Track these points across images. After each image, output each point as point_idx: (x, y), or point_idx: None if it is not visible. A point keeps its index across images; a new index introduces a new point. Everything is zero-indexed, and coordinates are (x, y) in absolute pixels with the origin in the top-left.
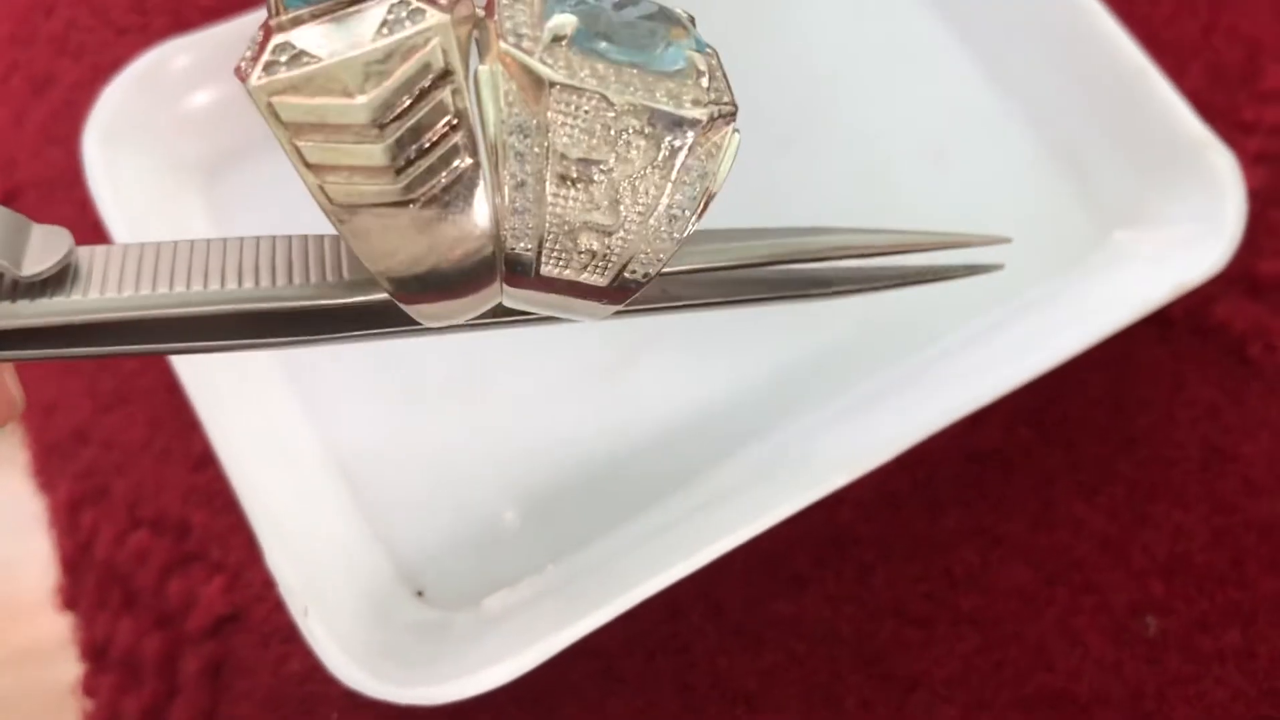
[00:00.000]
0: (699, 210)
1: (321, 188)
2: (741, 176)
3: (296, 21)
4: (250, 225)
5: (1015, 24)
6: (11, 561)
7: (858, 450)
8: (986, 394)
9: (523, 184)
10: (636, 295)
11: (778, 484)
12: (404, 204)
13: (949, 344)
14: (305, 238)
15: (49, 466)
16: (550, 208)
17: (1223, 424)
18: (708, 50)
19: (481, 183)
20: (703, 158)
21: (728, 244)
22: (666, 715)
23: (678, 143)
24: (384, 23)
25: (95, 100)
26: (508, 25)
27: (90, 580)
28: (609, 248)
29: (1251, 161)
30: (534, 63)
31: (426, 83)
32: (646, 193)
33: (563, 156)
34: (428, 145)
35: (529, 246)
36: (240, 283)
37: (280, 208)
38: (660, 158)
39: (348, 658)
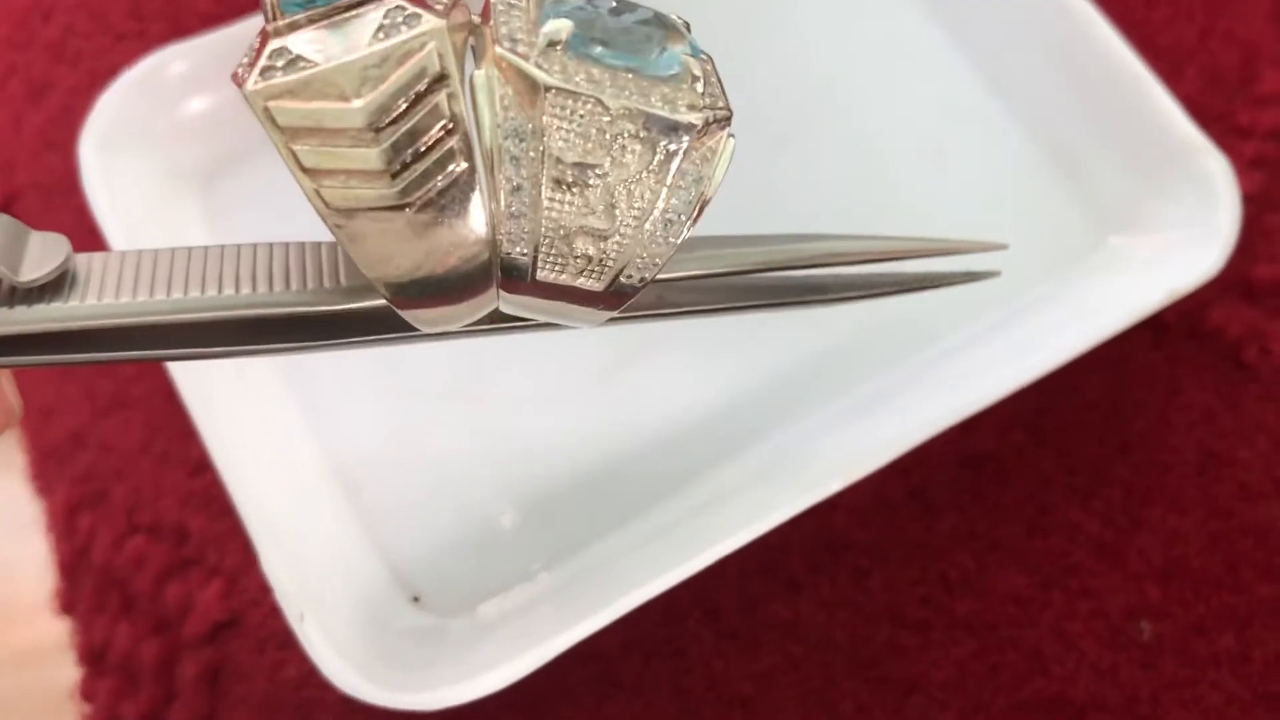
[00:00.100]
0: (694, 215)
1: (318, 192)
2: (738, 177)
3: (293, 27)
4: (247, 230)
5: (1011, 28)
6: (9, 564)
7: (855, 454)
8: (982, 398)
9: (518, 188)
10: (632, 301)
11: (774, 488)
12: (400, 208)
13: (944, 348)
14: (303, 245)
15: (47, 470)
16: (546, 212)
17: (1218, 428)
18: (703, 56)
19: (477, 187)
20: (698, 162)
21: (724, 250)
22: (663, 719)
23: (673, 147)
24: (380, 28)
25: (92, 106)
26: (503, 30)
27: (88, 584)
28: (604, 252)
29: (1247, 166)
30: (529, 67)
31: (422, 87)
32: (642, 197)
33: (558, 161)
34: (423, 149)
35: (525, 251)
36: (238, 289)
37: (277, 213)
38: (655, 162)
39: (344, 663)
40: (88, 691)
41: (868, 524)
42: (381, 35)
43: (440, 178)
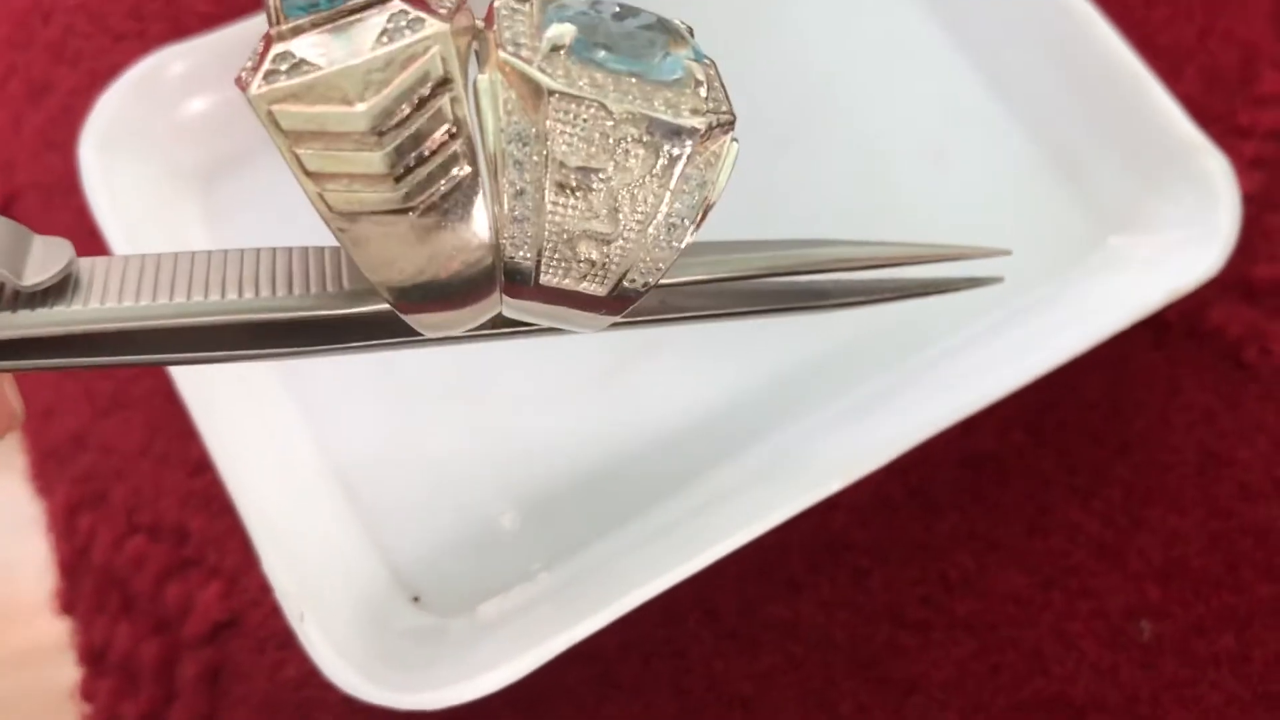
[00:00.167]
0: (698, 219)
1: (321, 196)
2: (739, 178)
3: (297, 31)
4: (247, 231)
5: (1011, 28)
6: (9, 564)
7: (855, 454)
8: (982, 398)
9: (522, 192)
10: (635, 306)
11: (774, 488)
12: (403, 211)
13: (944, 348)
14: (305, 249)
15: (47, 471)
16: (549, 216)
17: (1218, 428)
18: (706, 60)
19: (480, 191)
20: (701, 167)
21: (727, 255)
22: (663, 719)
23: (676, 151)
24: (384, 31)
25: (92, 106)
26: (507, 34)
27: (88, 584)
28: (608, 256)
29: (1247, 166)
30: (533, 71)
31: (426, 91)
32: (645, 201)
33: (561, 165)
34: (427, 153)
35: (528, 255)
36: (241, 293)
37: (277, 213)
38: (659, 166)
39: (344, 663)
40: (88, 691)
41: (868, 524)
42: (385, 39)
43: (444, 182)
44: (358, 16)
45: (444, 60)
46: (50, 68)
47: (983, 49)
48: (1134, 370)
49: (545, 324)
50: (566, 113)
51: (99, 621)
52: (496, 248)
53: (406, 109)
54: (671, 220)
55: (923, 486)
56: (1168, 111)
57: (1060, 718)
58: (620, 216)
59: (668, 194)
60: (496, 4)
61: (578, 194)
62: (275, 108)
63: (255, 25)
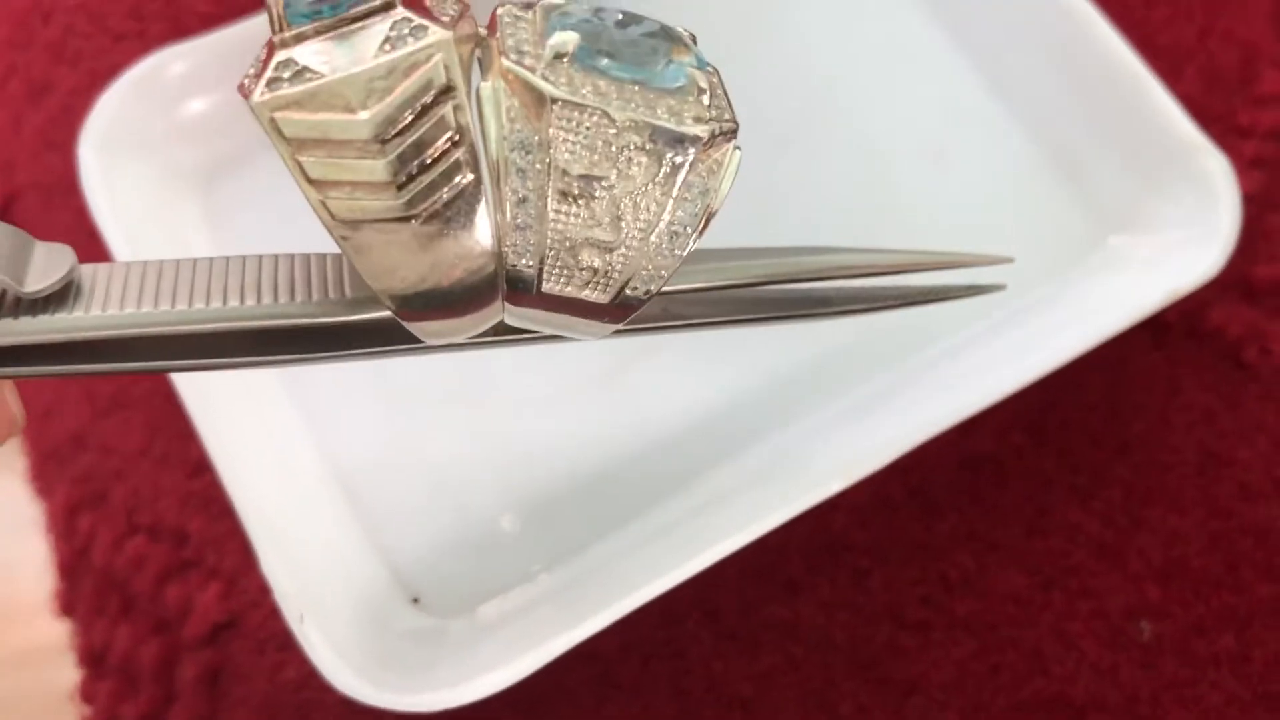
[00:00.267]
0: (700, 227)
1: (324, 203)
2: (741, 178)
3: (300, 38)
4: (247, 231)
5: (1012, 29)
6: (9, 565)
7: (855, 454)
8: (982, 398)
9: (524, 200)
10: (637, 313)
11: (774, 489)
12: (406, 219)
13: (944, 348)
14: (308, 256)
15: (47, 471)
16: (552, 224)
17: (1218, 429)
18: (709, 68)
19: (483, 199)
20: (704, 174)
21: (729, 263)
22: None
23: (679, 159)
24: (386, 39)
25: (92, 106)
26: (510, 42)
27: (88, 586)
28: (610, 264)
29: (1247, 166)
30: (536, 79)
31: (429, 99)
32: (648, 209)
33: (564, 173)
34: (429, 161)
35: (530, 263)
36: (243, 300)
37: (277, 213)
38: (661, 174)
39: (343, 665)
40: (87, 693)
41: (868, 524)
42: (388, 47)
43: (446, 189)
44: (361, 24)
45: (447, 68)
46: (50, 68)
47: (983, 50)
48: (1134, 370)
49: (547, 331)
50: (569, 120)
51: (99, 623)
52: (499, 255)
53: (409, 117)
54: (674, 228)
55: (923, 487)
56: (1168, 111)
57: (1060, 718)
58: (623, 224)
59: (670, 202)
60: (499, 11)
61: (580, 202)
62: (278, 115)
63: (255, 25)
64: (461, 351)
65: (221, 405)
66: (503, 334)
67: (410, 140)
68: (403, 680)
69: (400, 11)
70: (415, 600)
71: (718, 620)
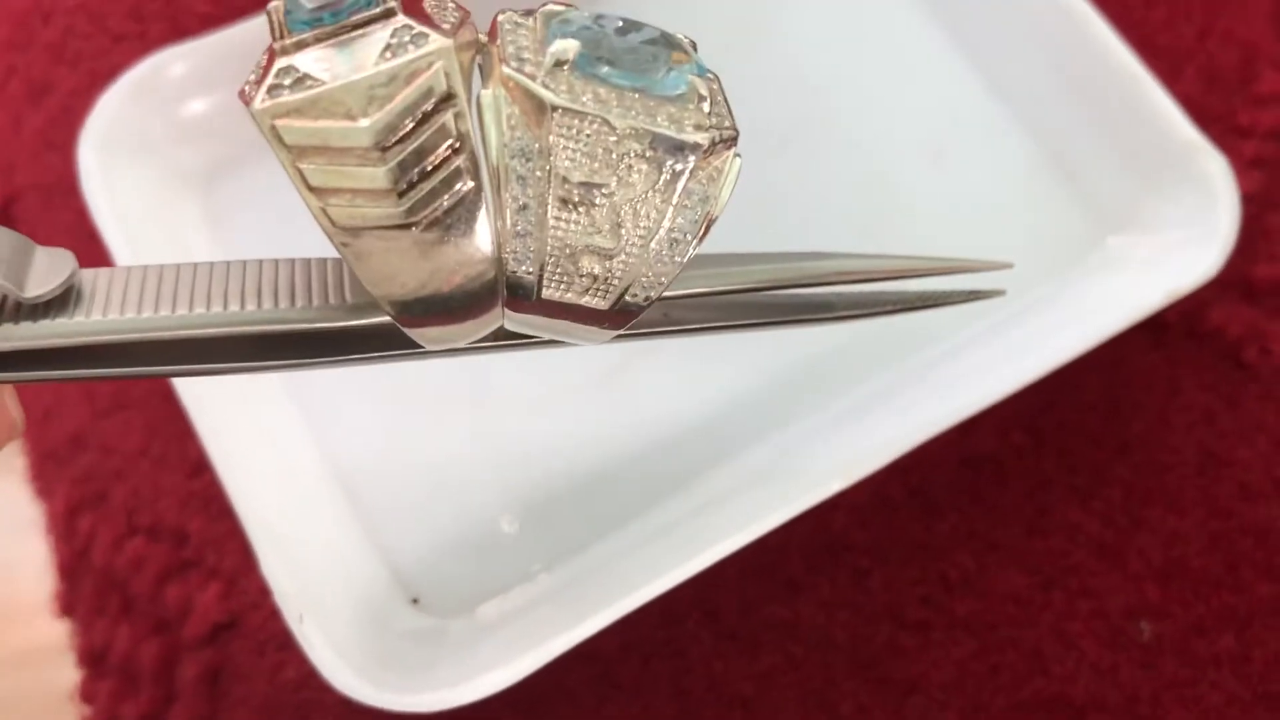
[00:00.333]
0: (700, 234)
1: (324, 210)
2: (741, 179)
3: (300, 45)
4: (248, 232)
5: (1011, 29)
6: (9, 566)
7: (855, 454)
8: (982, 399)
9: (524, 207)
10: (637, 319)
11: (774, 489)
12: (406, 226)
13: (944, 349)
14: (308, 261)
15: (46, 472)
16: (552, 231)
17: (1218, 429)
18: (709, 75)
19: (483, 206)
20: (704, 181)
21: (729, 268)
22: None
23: (679, 166)
24: (387, 46)
25: (92, 107)
26: (510, 50)
27: (88, 586)
28: (610, 271)
29: (1246, 166)
30: (536, 87)
31: (429, 106)
32: (648, 216)
33: (564, 180)
34: (430, 168)
35: (531, 270)
36: (243, 305)
37: (278, 214)
38: (661, 181)
39: (343, 665)
40: (87, 693)
41: (868, 524)
42: (389, 54)
43: (446, 196)
44: (361, 31)
45: (447, 75)
46: (50, 68)
47: (982, 50)
48: (1134, 370)
49: (547, 337)
50: (570, 128)
51: (99, 623)
52: (499, 262)
53: (410, 124)
54: (674, 235)
55: (923, 487)
56: (1167, 112)
57: (1060, 718)
58: (623, 231)
59: (670, 209)
60: (500, 19)
61: (580, 209)
62: (278, 122)
63: (255, 27)
64: (461, 356)
65: (221, 406)
66: (502, 339)
67: (411, 147)
68: (402, 680)
69: (401, 19)
70: (415, 600)
71: (718, 620)
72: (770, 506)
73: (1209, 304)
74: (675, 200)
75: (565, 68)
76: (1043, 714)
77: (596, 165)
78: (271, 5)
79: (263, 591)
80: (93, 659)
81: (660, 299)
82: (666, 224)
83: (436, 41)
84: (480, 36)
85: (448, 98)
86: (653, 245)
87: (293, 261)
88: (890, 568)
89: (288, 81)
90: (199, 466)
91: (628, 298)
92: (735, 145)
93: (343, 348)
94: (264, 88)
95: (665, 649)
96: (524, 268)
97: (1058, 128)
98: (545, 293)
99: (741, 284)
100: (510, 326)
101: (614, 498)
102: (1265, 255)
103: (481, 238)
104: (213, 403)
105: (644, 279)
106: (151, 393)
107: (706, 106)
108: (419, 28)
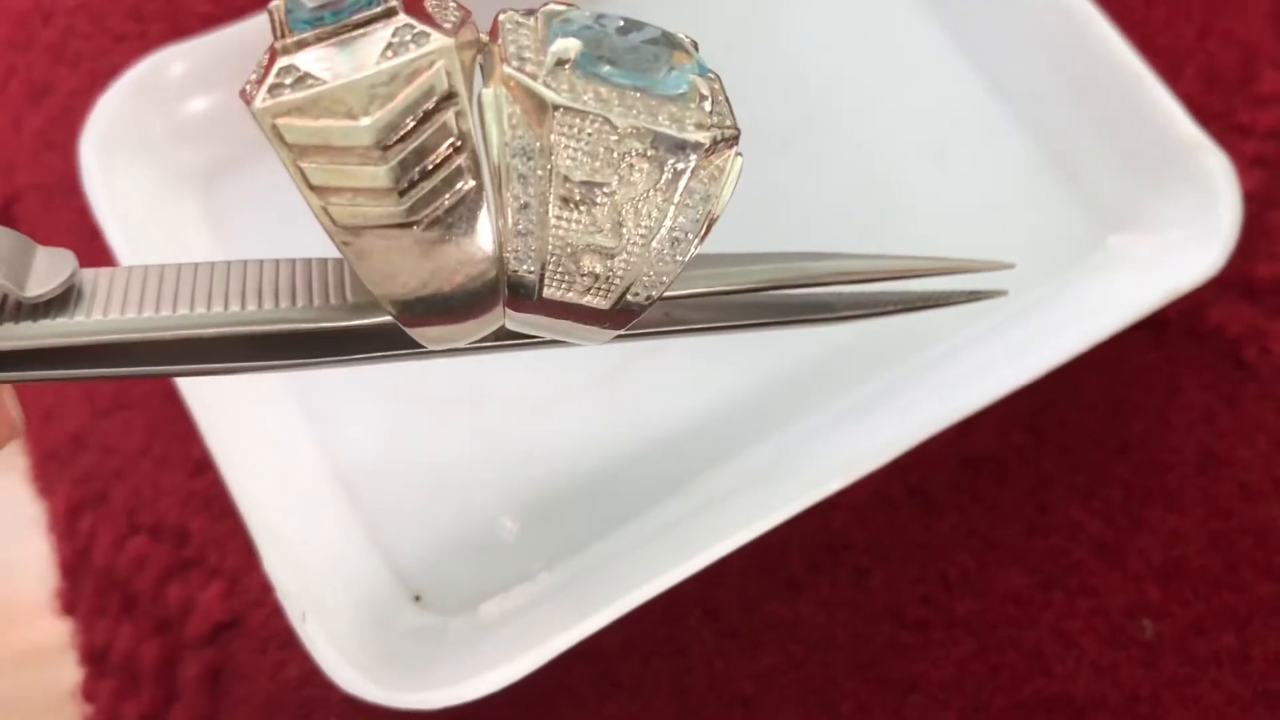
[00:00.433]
0: (701, 233)
1: (325, 209)
2: (741, 182)
3: (301, 44)
4: (248, 231)
5: (1012, 29)
6: (10, 565)
7: (855, 454)
8: (982, 398)
9: (526, 206)
10: (639, 319)
11: (774, 488)
12: (407, 225)
13: (944, 348)
14: (308, 261)
15: (48, 472)
16: (553, 230)
17: (1218, 428)
18: (710, 74)
19: (484, 205)
20: (705, 181)
21: (730, 268)
22: (664, 718)
23: (680, 165)
24: (388, 45)
25: (93, 107)
26: (511, 49)
27: (89, 585)
28: (612, 270)
29: (1247, 165)
30: (537, 86)
31: (430, 105)
32: (649, 215)
33: (566, 179)
34: (431, 167)
35: (532, 269)
36: (244, 305)
37: (278, 213)
38: (663, 180)
39: (345, 663)
40: (89, 692)
41: (867, 523)
42: (390, 53)
43: (448, 196)
44: (362, 31)
45: (448, 74)
46: (50, 69)
47: (983, 50)
48: (1134, 370)
49: (548, 337)
50: (571, 127)
51: (100, 622)
52: (500, 261)
53: (411, 123)
54: (675, 234)
55: (922, 486)
56: (1168, 110)
57: (1061, 717)
58: (624, 230)
59: (671, 208)
60: (501, 18)
61: (582, 208)
62: (279, 121)
63: (255, 26)
64: (462, 356)
65: (224, 405)
66: (503, 339)
67: (412, 146)
68: (404, 678)
69: (402, 18)
70: (417, 598)
71: (718, 619)
72: (770, 506)
73: (1209, 303)
74: (677, 199)
75: (566, 67)
76: (1043, 713)
77: (598, 164)
78: (273, 4)
79: (265, 590)
80: (94, 658)
81: (661, 299)
82: (668, 223)
83: (438, 40)
84: (481, 36)
85: (449, 97)
86: (654, 244)
87: (293, 261)
88: (890, 567)
89: (289, 80)
90: (200, 466)
91: (629, 297)
92: (737, 144)
93: (344, 348)
94: (265, 87)
95: (666, 647)
96: (525, 267)
97: (1059, 127)
98: (546, 292)
99: (742, 284)
100: (511, 326)
101: (615, 497)
102: (1265, 254)
103: (483, 237)
104: (216, 403)
105: (645, 278)
106: (153, 392)
107: (708, 106)
108: (420, 27)
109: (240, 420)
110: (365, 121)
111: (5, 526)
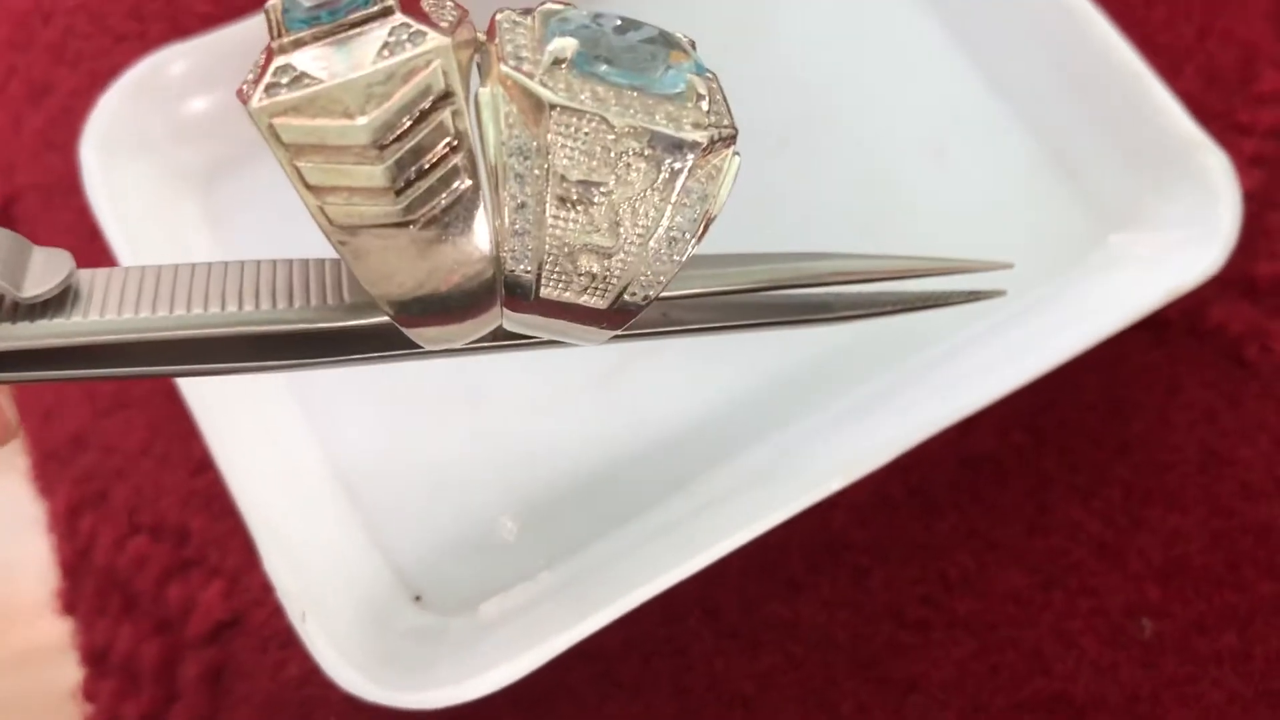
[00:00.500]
0: (699, 232)
1: (322, 209)
2: (740, 177)
3: (298, 43)
4: (248, 231)
5: (1012, 28)
6: (10, 565)
7: (855, 454)
8: (982, 397)
9: (523, 206)
10: (636, 319)
11: (775, 488)
12: (404, 225)
13: (944, 348)
14: (306, 261)
15: (48, 471)
16: (550, 230)
17: (1219, 427)
18: (708, 74)
19: (481, 204)
20: (703, 180)
21: (728, 268)
22: (664, 718)
23: (678, 165)
24: (385, 45)
25: (93, 107)
26: (508, 48)
27: (90, 585)
28: (609, 270)
29: (1247, 164)
30: (534, 85)
31: (427, 104)
32: (646, 215)
33: (563, 178)
34: (428, 166)
35: (529, 269)
36: (241, 306)
37: (278, 213)
38: (660, 180)
39: (346, 662)
40: (89, 692)
41: (867, 523)
42: (386, 53)
43: (444, 195)
44: (359, 30)
45: (445, 74)
46: (51, 68)
47: (983, 49)
48: (1134, 369)
49: (546, 337)
50: (568, 126)
51: (100, 622)
52: (497, 261)
53: (407, 122)
54: (672, 234)
55: (922, 486)
56: (1168, 109)
57: (1061, 717)
58: (621, 230)
59: (669, 207)
60: (498, 17)
61: (579, 208)
62: (276, 121)
63: (255, 25)
64: (461, 357)
65: (224, 404)
66: (501, 339)
67: (408, 146)
68: (404, 678)
69: (399, 17)
70: (417, 598)
71: (718, 618)
72: (770, 506)
73: (1210, 302)
74: (674, 199)
75: (563, 66)
76: (1043, 713)
77: (595, 163)
78: (270, 4)
79: (265, 589)
80: (94, 658)
81: (659, 299)
82: (665, 222)
83: (434, 40)
84: (478, 35)
85: (445, 96)
86: (651, 244)
87: (291, 262)
88: (890, 567)
89: (285, 80)
90: (200, 465)
91: (626, 297)
92: (734, 143)
93: (342, 348)
94: (261, 86)
95: (666, 647)
96: (522, 266)
97: (1059, 126)
98: (543, 292)
99: (740, 284)
100: (509, 326)
101: (615, 497)
102: (1266, 253)
103: (479, 236)
104: (216, 402)
105: (643, 278)
106: (153, 392)
107: (705, 105)
108: (417, 26)
109: (240, 420)
110: (362, 121)
111: (5, 526)
